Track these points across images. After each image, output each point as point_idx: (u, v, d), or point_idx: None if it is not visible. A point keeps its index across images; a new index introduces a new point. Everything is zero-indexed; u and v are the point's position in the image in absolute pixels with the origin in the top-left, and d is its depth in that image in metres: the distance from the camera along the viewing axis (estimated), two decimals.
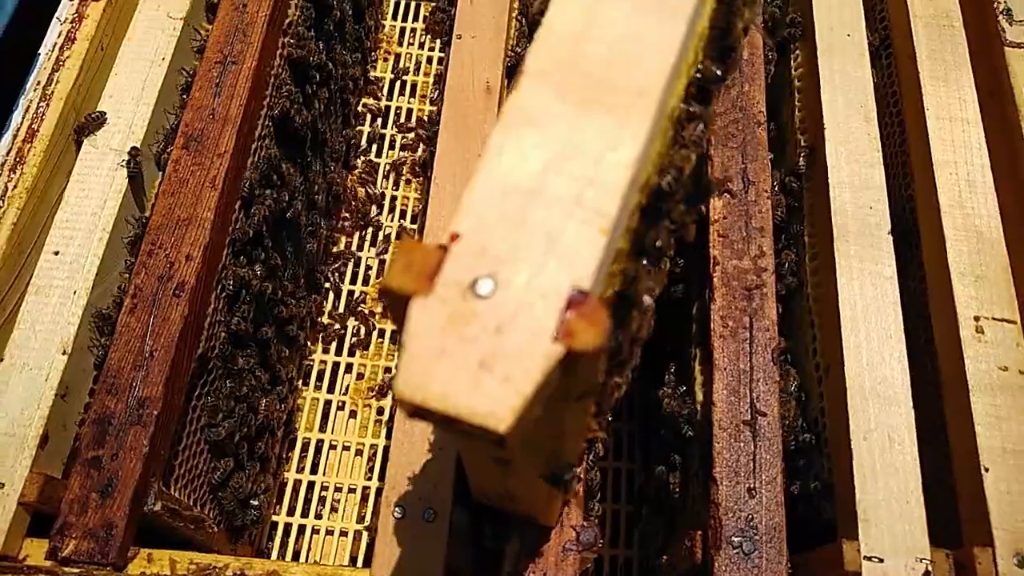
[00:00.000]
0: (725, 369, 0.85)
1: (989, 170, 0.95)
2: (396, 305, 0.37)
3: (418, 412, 0.34)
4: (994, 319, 0.87)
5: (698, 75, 0.48)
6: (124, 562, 0.77)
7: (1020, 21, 1.01)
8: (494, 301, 0.36)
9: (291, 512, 1.23)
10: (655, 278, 0.51)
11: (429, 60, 1.65)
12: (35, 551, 0.78)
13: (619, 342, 0.48)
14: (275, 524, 1.23)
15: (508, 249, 0.37)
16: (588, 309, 0.35)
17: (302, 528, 1.23)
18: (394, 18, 1.69)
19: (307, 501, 1.25)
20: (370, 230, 1.47)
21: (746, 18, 0.52)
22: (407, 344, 0.35)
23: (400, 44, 1.66)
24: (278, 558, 1.20)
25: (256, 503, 1.10)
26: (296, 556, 1.21)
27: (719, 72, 0.50)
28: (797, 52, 1.08)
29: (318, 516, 1.23)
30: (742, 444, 0.81)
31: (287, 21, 1.13)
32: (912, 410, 0.82)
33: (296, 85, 1.14)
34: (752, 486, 0.79)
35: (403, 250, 0.37)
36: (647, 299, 0.52)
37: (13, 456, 0.80)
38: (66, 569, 0.75)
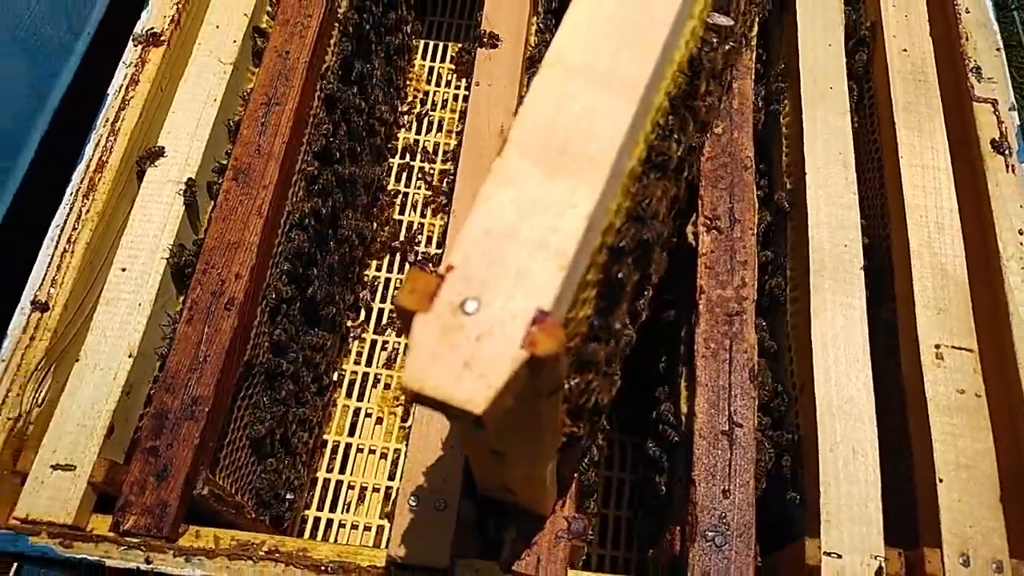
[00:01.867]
0: (707, 385, 0.95)
1: (957, 214, 1.04)
2: (405, 319, 0.48)
3: (418, 398, 0.46)
4: (953, 347, 0.96)
5: (654, 141, 0.59)
6: (176, 536, 0.90)
7: (988, 79, 1.11)
8: (477, 318, 0.47)
9: (320, 507, 1.35)
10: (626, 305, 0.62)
11: (456, 97, 1.78)
12: (100, 525, 0.91)
13: (587, 352, 0.59)
14: (305, 518, 1.35)
15: (489, 279, 0.48)
16: (548, 326, 0.46)
17: (330, 522, 1.35)
18: (423, 58, 1.83)
19: (335, 498, 1.37)
20: (398, 255, 1.60)
21: (704, 92, 0.63)
22: (411, 348, 0.47)
23: (428, 82, 1.80)
24: None
25: (290, 496, 1.22)
26: None
27: (676, 139, 0.61)
28: (785, 102, 1.18)
29: (344, 511, 1.35)
30: (719, 451, 0.92)
31: (324, 66, 1.26)
32: (875, 427, 0.92)
33: (332, 123, 1.27)
34: (727, 488, 0.89)
35: (411, 277, 0.49)
36: (617, 323, 0.64)
37: (84, 443, 0.93)
38: (127, 539, 0.88)
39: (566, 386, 0.66)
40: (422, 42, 1.86)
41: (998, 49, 1.13)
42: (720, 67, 0.71)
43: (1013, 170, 1.04)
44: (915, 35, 1.18)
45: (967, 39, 1.15)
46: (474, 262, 0.49)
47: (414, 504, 0.89)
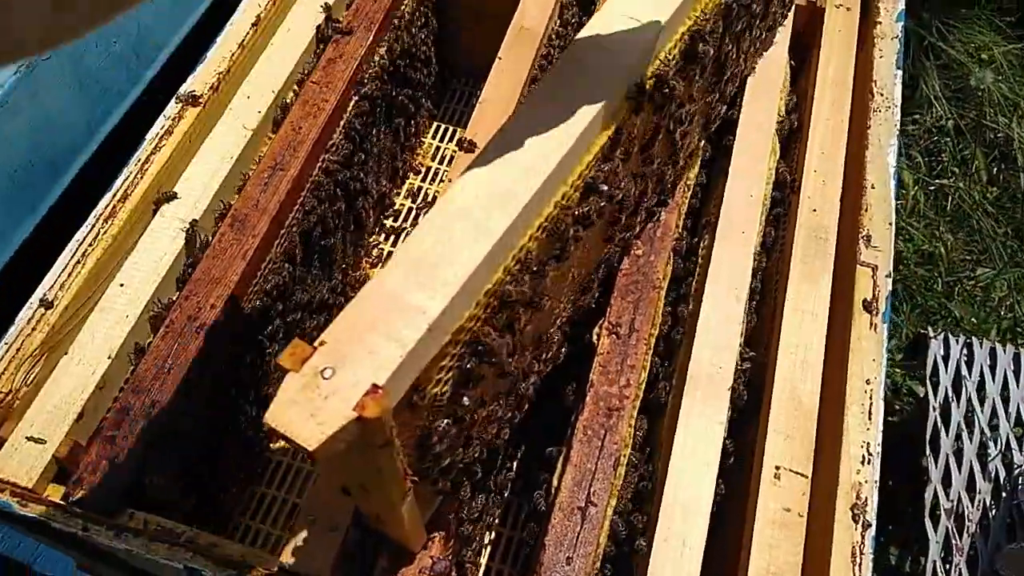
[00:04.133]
0: (576, 466, 1.13)
1: (822, 356, 1.22)
2: (281, 373, 0.67)
3: (272, 432, 0.64)
4: (790, 470, 1.13)
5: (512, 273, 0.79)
6: (113, 514, 1.08)
7: (875, 247, 1.29)
8: (330, 382, 0.66)
9: (253, 517, 1.53)
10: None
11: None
12: (53, 493, 1.09)
13: (432, 421, 0.78)
14: (240, 524, 1.52)
15: (348, 355, 0.67)
16: (377, 396, 0.65)
17: (259, 532, 1.51)
18: (433, 137, 2.06)
19: (268, 512, 1.54)
20: None
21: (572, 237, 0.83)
22: (278, 395, 0.66)
23: (433, 159, 2.03)
24: None
25: (230, 502, 1.40)
26: None
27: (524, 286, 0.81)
28: (706, 238, 1.37)
29: (272, 525, 1.52)
30: (572, 524, 1.08)
31: (330, 142, 1.49)
32: (707, 526, 1.08)
33: (329, 189, 1.49)
34: (570, 556, 1.06)
35: (293, 344, 0.68)
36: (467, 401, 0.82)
37: (56, 423, 1.12)
38: (72, 509, 1.06)
39: (437, 446, 0.85)
40: (435, 124, 2.09)
41: (889, 223, 1.32)
42: (594, 219, 0.91)
43: (875, 328, 1.22)
44: (827, 199, 1.38)
45: (867, 210, 1.34)
46: (342, 341, 0.68)
47: (312, 520, 1.06)
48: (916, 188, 3.07)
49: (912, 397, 2.56)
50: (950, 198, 3.02)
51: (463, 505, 1.13)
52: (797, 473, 1.12)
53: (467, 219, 0.76)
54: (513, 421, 1.09)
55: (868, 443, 1.13)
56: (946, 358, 2.29)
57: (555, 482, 1.16)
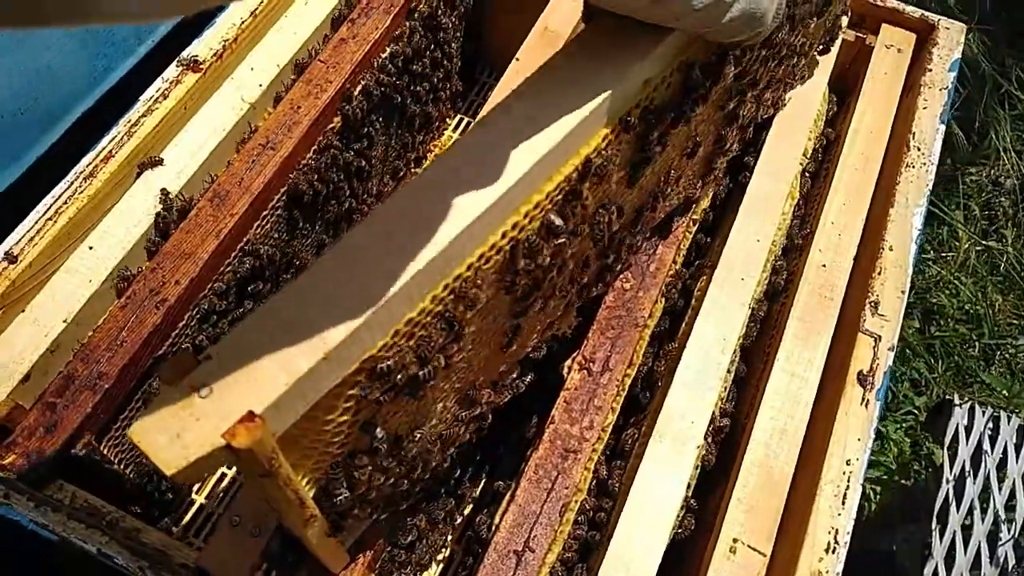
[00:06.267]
0: (520, 506, 1.06)
1: (805, 424, 1.12)
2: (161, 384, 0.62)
3: (135, 445, 0.59)
4: (748, 546, 1.04)
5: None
6: (41, 484, 1.05)
7: (882, 315, 1.19)
8: (205, 402, 0.60)
9: (207, 496, 1.49)
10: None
11: None
12: None
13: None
14: (192, 502, 1.49)
15: (231, 376, 0.62)
16: (251, 425, 0.59)
17: (211, 514, 1.48)
18: (454, 131, 2.00)
19: (224, 492, 1.50)
20: None
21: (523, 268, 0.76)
22: (149, 407, 0.60)
23: None
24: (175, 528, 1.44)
25: None
26: (197, 533, 1.46)
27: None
28: (703, 280, 1.28)
29: (220, 505, 1.48)
30: (504, 568, 1.02)
31: (330, 125, 1.43)
32: None
33: (319, 173, 1.44)
34: None
35: (177, 355, 0.62)
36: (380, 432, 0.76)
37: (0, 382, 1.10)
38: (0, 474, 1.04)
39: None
40: (457, 117, 2.02)
41: (902, 292, 1.21)
42: (549, 256, 0.83)
43: (866, 405, 1.12)
44: (839, 254, 1.27)
45: (879, 273, 1.23)
46: (228, 359, 0.63)
47: (236, 523, 1.02)
48: (968, 243, 2.91)
49: (930, 462, 2.44)
50: (1002, 262, 2.86)
51: (395, 530, 1.07)
52: (755, 550, 1.04)
53: (391, 240, 0.69)
54: (454, 446, 1.02)
55: (837, 530, 1.04)
56: (968, 429, 2.16)
57: (497, 519, 1.10)
